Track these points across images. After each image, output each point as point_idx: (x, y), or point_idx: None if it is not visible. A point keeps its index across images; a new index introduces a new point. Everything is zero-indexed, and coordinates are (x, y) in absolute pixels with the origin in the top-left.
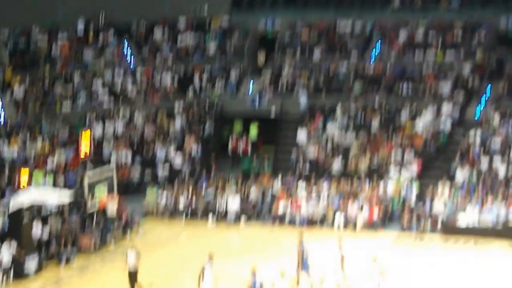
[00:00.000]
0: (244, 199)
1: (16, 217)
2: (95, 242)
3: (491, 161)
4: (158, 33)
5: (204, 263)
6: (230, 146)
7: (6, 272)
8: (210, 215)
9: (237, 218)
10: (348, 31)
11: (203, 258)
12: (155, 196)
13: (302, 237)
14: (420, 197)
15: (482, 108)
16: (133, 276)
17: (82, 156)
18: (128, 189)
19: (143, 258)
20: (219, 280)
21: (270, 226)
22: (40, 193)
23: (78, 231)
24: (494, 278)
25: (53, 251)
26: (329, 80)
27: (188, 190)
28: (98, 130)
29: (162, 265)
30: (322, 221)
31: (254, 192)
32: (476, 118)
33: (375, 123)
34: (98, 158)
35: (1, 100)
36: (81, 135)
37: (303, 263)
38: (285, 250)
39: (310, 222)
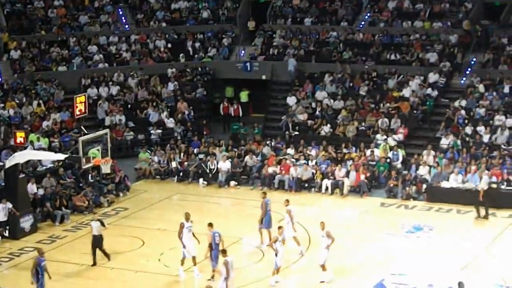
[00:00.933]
0: (235, 162)
1: (11, 172)
2: (89, 203)
3: (475, 129)
4: None
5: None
6: (221, 111)
7: (1, 230)
8: (201, 178)
9: (228, 181)
10: None
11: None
12: (148, 159)
13: (265, 196)
14: (406, 163)
15: (467, 78)
16: (97, 245)
17: (76, 119)
18: (122, 152)
19: (136, 218)
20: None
21: (259, 189)
22: (35, 153)
23: (72, 192)
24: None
25: (47, 211)
26: (319, 47)
27: (180, 153)
28: (92, 93)
29: (153, 225)
30: (310, 185)
31: (244, 156)
32: (461, 87)
33: (363, 90)
34: (92, 121)
35: None
36: (76, 98)
37: (265, 222)
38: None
39: (298, 186)
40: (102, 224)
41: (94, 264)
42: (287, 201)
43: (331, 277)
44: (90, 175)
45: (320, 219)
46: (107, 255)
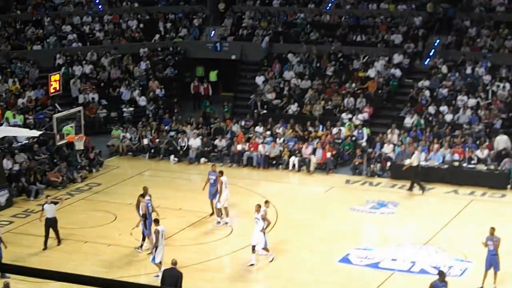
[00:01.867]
0: (204, 141)
1: None
2: (62, 178)
3: (438, 109)
4: None
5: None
6: (192, 89)
7: None
8: (172, 154)
9: (198, 158)
10: None
11: (164, 194)
12: (120, 136)
13: (214, 169)
14: (371, 141)
15: (431, 59)
16: (51, 226)
17: (51, 96)
18: (95, 129)
19: (108, 193)
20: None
21: (228, 166)
22: (10, 129)
23: (47, 167)
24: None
25: (22, 186)
26: (287, 28)
27: (151, 130)
28: (66, 72)
29: (125, 200)
30: (278, 162)
31: (213, 133)
32: (425, 68)
33: (330, 70)
34: (66, 99)
35: None
36: (51, 76)
37: (210, 193)
38: (236, 188)
39: (266, 163)
40: (55, 204)
41: (45, 248)
42: (221, 172)
43: (273, 256)
44: (63, 151)
45: (287, 195)
46: (59, 238)
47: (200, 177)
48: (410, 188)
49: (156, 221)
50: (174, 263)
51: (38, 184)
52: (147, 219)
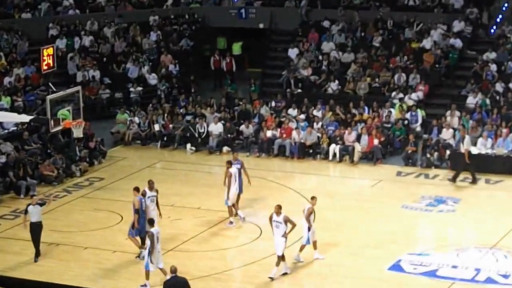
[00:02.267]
0: (227, 126)
1: None
2: (58, 172)
3: (507, 86)
4: None
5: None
6: (212, 65)
7: None
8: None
9: (219, 146)
10: None
11: (180, 190)
12: (127, 121)
13: (236, 157)
14: (426, 125)
15: (497, 26)
16: (35, 233)
17: (43, 74)
18: (96, 113)
19: (113, 190)
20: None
21: (256, 156)
22: None
23: (39, 159)
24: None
25: (10, 181)
26: None
27: (164, 114)
28: (61, 45)
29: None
30: (315, 151)
31: (238, 117)
32: (491, 37)
33: (377, 41)
34: (62, 77)
35: None
36: (43, 50)
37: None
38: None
39: (302, 151)
40: (42, 205)
41: (36, 260)
42: (229, 162)
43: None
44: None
45: (326, 190)
46: (38, 250)
47: (222, 170)
48: (474, 181)
49: (151, 222)
50: (174, 270)
51: (29, 179)
52: (140, 217)
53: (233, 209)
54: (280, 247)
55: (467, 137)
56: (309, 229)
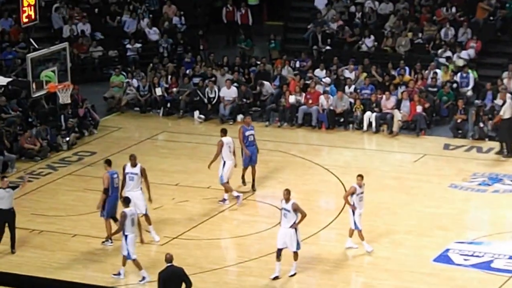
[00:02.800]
0: (242, 90)
1: None
2: (41, 145)
3: None
4: None
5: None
6: (224, 17)
7: None
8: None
9: (233, 114)
10: None
11: (186, 166)
12: (123, 84)
13: (249, 122)
14: (479, 90)
15: None
16: (7, 222)
17: (23, 28)
18: (86, 75)
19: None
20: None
21: (276, 126)
22: None
23: (19, 129)
24: None
25: None
26: None
27: (167, 76)
28: None
29: None
30: (347, 119)
31: (255, 80)
32: None
33: None
34: (45, 31)
35: None
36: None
37: (245, 157)
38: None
39: (331, 120)
40: (14, 188)
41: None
42: (223, 131)
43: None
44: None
45: (360, 166)
46: (14, 242)
47: (237, 142)
48: (501, 151)
49: (126, 201)
50: (169, 259)
51: (7, 154)
52: (109, 196)
53: (230, 186)
54: (283, 239)
55: (508, 102)
56: (353, 212)
